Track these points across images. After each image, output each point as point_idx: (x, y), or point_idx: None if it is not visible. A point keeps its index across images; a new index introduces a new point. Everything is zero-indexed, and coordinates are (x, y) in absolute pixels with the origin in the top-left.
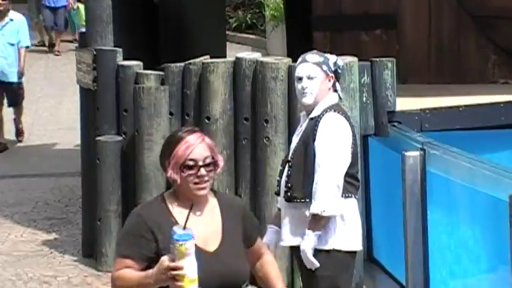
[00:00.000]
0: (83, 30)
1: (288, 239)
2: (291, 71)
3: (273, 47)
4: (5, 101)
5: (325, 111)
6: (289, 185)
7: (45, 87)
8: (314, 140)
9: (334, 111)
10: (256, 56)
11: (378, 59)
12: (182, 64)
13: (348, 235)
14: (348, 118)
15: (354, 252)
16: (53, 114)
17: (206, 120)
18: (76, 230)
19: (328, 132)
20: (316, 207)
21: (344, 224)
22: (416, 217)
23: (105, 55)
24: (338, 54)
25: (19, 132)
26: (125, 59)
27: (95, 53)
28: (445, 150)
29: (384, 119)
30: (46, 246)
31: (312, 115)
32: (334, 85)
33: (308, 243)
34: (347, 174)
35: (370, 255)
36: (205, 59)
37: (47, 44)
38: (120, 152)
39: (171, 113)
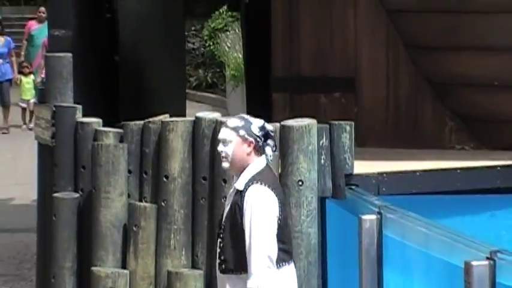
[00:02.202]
0: (23, 105)
1: None
2: None
3: (233, 107)
4: None
5: (249, 183)
6: (222, 257)
7: (2, 141)
8: (242, 215)
9: (257, 182)
10: (216, 115)
11: (336, 122)
12: (141, 122)
13: None
14: (273, 185)
15: None
16: (10, 169)
17: (164, 179)
18: (30, 286)
19: (253, 208)
20: (251, 283)
21: None
22: (372, 280)
23: (65, 111)
24: (297, 116)
25: None
26: (84, 115)
27: (54, 109)
28: (401, 215)
29: (342, 181)
30: None
31: (237, 186)
32: (258, 150)
33: None
34: (280, 242)
35: None
36: (165, 117)
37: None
38: (76, 208)
39: (129, 171)
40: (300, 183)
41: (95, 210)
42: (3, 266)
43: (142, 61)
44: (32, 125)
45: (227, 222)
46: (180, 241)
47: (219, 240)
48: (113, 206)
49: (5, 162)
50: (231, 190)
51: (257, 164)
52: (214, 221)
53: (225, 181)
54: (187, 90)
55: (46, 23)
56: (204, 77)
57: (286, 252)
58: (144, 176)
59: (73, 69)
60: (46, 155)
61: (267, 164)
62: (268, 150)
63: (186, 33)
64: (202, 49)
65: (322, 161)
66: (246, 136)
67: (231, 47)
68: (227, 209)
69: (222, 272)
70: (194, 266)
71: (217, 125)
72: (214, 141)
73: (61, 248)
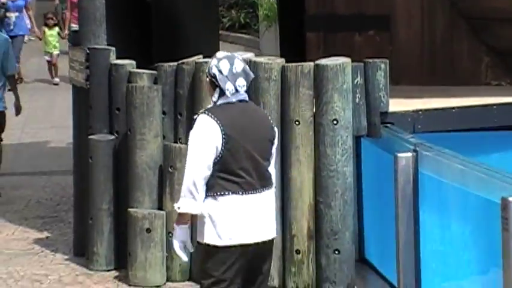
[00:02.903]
0: (47, 58)
1: None
2: (284, 71)
3: (266, 47)
4: None
5: (198, 115)
6: None
7: (38, 85)
8: None
9: (204, 112)
10: (249, 55)
11: (371, 60)
12: (175, 63)
13: (218, 230)
14: (219, 116)
15: (228, 247)
16: (46, 112)
17: None
18: (67, 228)
19: (190, 135)
20: (175, 204)
21: (216, 219)
22: (408, 218)
23: (98, 54)
24: (331, 55)
25: None
26: (118, 57)
27: (88, 51)
28: (437, 152)
29: (377, 120)
30: (37, 245)
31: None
32: (215, 89)
33: (174, 236)
34: (223, 171)
35: (361, 256)
36: (198, 58)
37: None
38: (112, 151)
39: (163, 112)
40: (335, 122)
41: (131, 152)
42: (41, 208)
43: (175, 2)
44: (57, 79)
45: None
46: None
47: None
48: (149, 148)
49: (40, 107)
50: None
51: (216, 101)
52: None
53: None
54: (220, 31)
55: None
56: (237, 17)
57: (233, 182)
58: (179, 117)
59: (106, 11)
60: (81, 97)
61: (229, 104)
62: (229, 90)
63: None
64: None
65: (357, 100)
66: (206, 73)
67: None
68: None
69: None
70: None
71: (251, 66)
72: None
73: (98, 189)
